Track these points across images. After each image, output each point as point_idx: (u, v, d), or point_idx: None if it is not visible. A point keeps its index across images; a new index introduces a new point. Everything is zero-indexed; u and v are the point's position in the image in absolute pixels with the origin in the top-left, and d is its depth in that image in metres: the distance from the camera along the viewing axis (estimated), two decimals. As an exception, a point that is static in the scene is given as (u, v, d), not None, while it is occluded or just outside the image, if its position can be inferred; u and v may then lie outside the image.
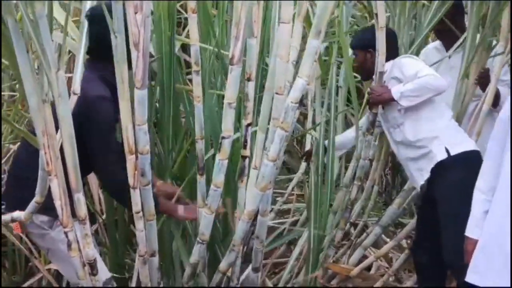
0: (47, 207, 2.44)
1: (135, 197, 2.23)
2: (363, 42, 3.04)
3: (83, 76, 2.37)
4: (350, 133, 3.37)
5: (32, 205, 2.34)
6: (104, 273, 2.57)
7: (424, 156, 2.89)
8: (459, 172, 2.72)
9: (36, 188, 2.32)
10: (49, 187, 2.32)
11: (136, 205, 2.24)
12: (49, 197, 2.38)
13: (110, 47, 2.10)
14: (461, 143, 2.84)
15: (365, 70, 3.08)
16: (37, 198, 2.31)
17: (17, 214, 2.44)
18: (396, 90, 2.80)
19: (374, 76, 2.99)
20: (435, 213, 2.88)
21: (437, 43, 3.62)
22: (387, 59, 2.91)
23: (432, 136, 2.82)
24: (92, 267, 2.27)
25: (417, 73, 2.77)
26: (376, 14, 2.89)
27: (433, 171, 2.85)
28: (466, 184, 2.57)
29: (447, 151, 2.78)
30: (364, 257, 3.46)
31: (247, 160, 2.36)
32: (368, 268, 3.49)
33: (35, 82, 2.01)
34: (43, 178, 2.25)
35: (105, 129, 2.43)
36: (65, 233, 2.25)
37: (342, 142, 3.38)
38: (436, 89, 2.78)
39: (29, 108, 2.10)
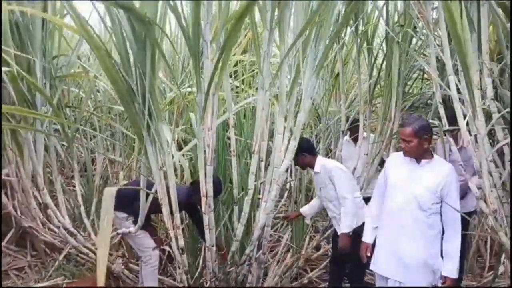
0: (125, 208, 2.54)
1: (205, 218, 2.30)
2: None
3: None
4: (315, 201, 2.88)
5: (136, 225, 2.52)
6: (152, 244, 2.67)
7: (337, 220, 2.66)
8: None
9: (139, 217, 2.48)
10: (128, 203, 2.46)
11: (205, 221, 2.30)
12: (125, 202, 2.44)
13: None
14: (359, 218, 2.55)
15: (304, 164, 2.71)
16: (139, 222, 2.48)
17: (131, 229, 2.59)
18: (347, 228, 2.51)
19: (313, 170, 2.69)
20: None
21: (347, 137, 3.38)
22: (311, 157, 2.66)
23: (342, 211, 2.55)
24: (182, 250, 2.33)
25: (344, 196, 2.53)
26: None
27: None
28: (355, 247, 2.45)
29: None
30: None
31: (261, 200, 2.46)
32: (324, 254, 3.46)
33: (156, 161, 2.18)
34: (143, 208, 2.40)
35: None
36: (168, 232, 2.29)
37: (309, 211, 2.89)
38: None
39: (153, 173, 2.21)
